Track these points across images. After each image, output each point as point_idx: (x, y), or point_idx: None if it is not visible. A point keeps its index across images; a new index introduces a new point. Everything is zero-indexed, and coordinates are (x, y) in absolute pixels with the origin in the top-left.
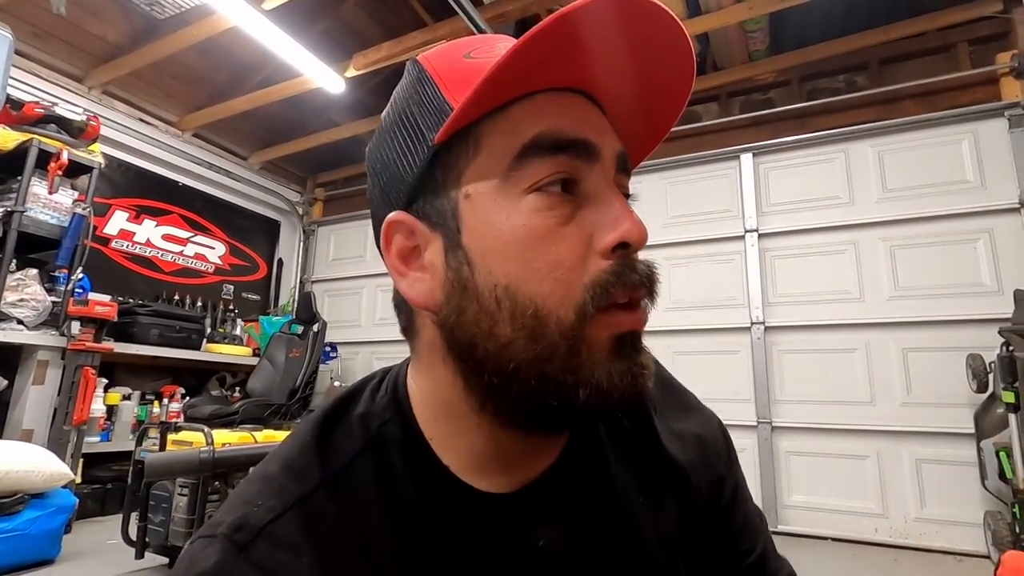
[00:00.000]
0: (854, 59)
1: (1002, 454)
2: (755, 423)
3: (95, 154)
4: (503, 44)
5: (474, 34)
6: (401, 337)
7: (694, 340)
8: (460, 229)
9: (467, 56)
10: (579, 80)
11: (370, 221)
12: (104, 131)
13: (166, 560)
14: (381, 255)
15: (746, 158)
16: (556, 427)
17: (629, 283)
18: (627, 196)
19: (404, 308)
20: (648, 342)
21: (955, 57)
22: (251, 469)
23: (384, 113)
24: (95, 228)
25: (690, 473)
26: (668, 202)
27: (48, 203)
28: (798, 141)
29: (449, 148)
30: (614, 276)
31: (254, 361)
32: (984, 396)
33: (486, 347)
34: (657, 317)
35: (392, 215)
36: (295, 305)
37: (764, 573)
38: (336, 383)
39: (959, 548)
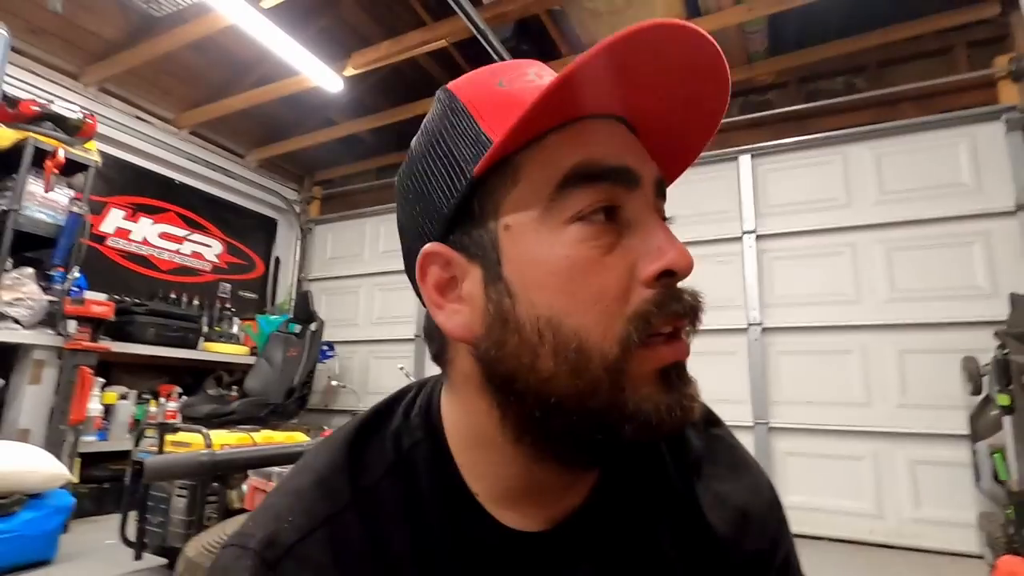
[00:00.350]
0: (853, 61)
1: (996, 456)
2: (752, 424)
3: (91, 152)
4: (532, 69)
5: (473, 34)
6: (399, 336)
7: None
8: (500, 260)
9: (499, 84)
10: (616, 107)
11: (367, 220)
12: (100, 128)
13: (164, 561)
14: (414, 285)
15: (744, 159)
16: (597, 461)
17: (672, 313)
18: (665, 220)
19: (437, 337)
20: None
21: (953, 60)
22: (281, 479)
23: (414, 142)
24: (91, 226)
25: (727, 546)
26: (666, 203)
27: (44, 201)
28: (796, 143)
29: (486, 179)
30: (656, 306)
31: (251, 360)
32: (979, 398)
33: (527, 380)
34: None
35: (428, 247)
36: (292, 304)
37: None
38: (334, 382)
39: (953, 549)
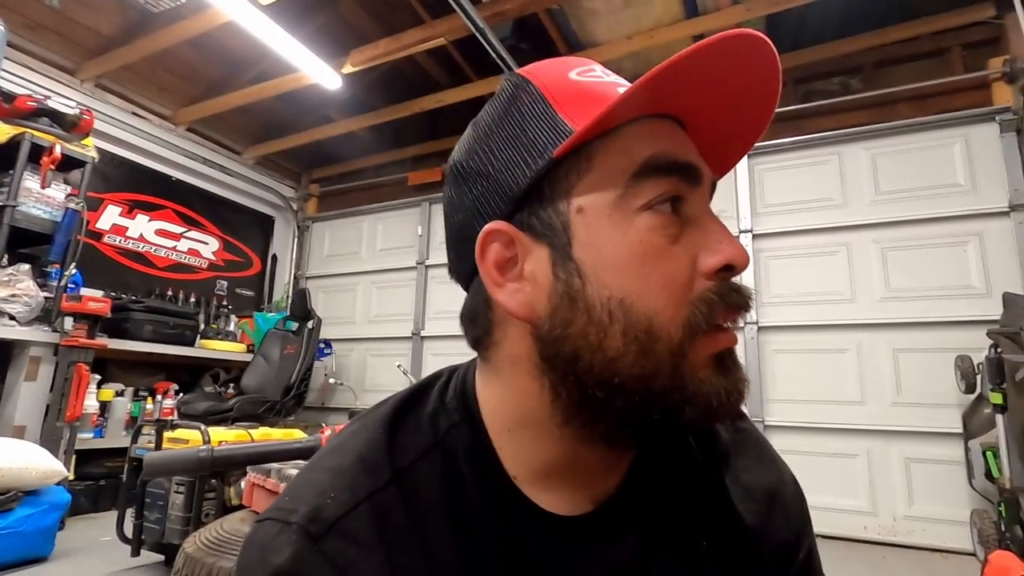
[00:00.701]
0: (849, 62)
1: (989, 454)
2: None
3: (88, 148)
4: (597, 66)
5: (472, 32)
6: (396, 335)
7: None
8: (571, 242)
9: (571, 76)
10: (679, 109)
11: (365, 218)
12: (97, 125)
13: (162, 558)
14: (455, 263)
15: (742, 158)
16: (648, 441)
17: (732, 304)
18: None
19: (482, 320)
20: None
21: (948, 61)
22: (314, 458)
23: (477, 123)
24: (87, 223)
25: (756, 537)
26: None
27: (40, 197)
28: (793, 143)
29: (559, 162)
30: (719, 297)
31: (248, 358)
32: (972, 397)
33: (591, 360)
34: None
35: (492, 224)
36: (289, 301)
37: None
38: (331, 380)
39: (946, 545)
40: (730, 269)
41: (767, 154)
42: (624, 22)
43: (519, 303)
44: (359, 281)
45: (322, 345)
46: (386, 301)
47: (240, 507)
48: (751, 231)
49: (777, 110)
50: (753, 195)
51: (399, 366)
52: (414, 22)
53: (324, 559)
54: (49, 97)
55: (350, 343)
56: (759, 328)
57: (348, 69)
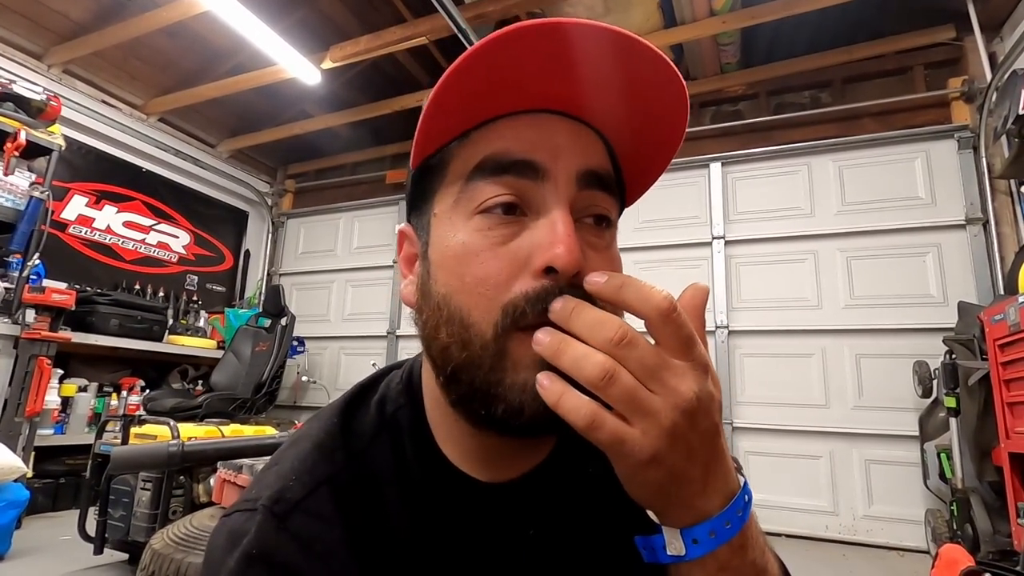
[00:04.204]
0: (819, 76)
1: (943, 455)
2: None
3: (55, 136)
4: None
5: (453, 32)
6: (371, 333)
7: None
8: (428, 242)
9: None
10: (540, 101)
11: (341, 215)
12: (64, 112)
13: (125, 556)
14: None
15: (715, 167)
16: (503, 433)
17: (542, 309)
18: (598, 215)
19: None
20: None
21: (911, 80)
22: (276, 452)
23: None
24: (52, 212)
25: None
26: (639, 207)
27: (3, 185)
28: (765, 153)
29: (427, 171)
30: (527, 300)
31: (218, 354)
32: (928, 401)
33: (432, 347)
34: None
35: (401, 226)
36: (261, 298)
37: None
38: (303, 378)
39: (902, 544)
40: (553, 270)
41: (740, 163)
42: None
43: (407, 293)
44: (334, 279)
45: (295, 343)
46: (361, 300)
47: (210, 504)
48: (723, 237)
49: (750, 120)
50: (726, 202)
51: (373, 365)
52: (396, 20)
53: (290, 535)
54: (14, 81)
55: (324, 341)
56: (729, 332)
57: (328, 65)
